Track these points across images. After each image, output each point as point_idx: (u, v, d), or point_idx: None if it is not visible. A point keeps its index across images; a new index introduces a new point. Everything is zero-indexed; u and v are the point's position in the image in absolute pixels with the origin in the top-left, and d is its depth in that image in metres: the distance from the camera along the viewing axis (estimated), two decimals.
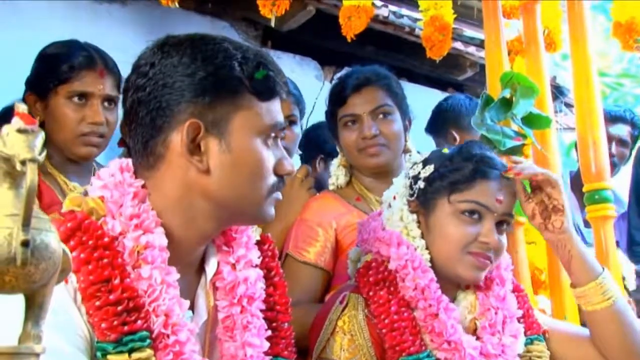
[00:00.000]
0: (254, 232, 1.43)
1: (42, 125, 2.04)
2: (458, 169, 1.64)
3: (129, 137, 1.31)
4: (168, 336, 1.20)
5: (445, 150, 1.71)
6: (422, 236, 1.66)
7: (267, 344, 1.35)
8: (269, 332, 1.36)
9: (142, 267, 1.21)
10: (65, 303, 1.14)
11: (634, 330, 1.67)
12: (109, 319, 1.14)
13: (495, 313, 1.67)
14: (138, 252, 1.22)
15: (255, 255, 1.39)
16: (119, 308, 1.15)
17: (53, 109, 2.08)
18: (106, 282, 1.16)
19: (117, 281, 1.17)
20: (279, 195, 1.33)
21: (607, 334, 1.66)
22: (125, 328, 1.15)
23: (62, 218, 1.20)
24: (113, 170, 1.29)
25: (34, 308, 0.80)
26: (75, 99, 2.07)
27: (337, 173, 2.25)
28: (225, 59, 1.25)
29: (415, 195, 1.68)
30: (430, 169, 1.68)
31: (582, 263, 1.66)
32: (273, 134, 1.31)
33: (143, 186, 1.28)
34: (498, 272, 1.72)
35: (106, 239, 1.19)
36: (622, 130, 3.38)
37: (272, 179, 1.30)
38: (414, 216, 1.68)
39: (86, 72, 2.08)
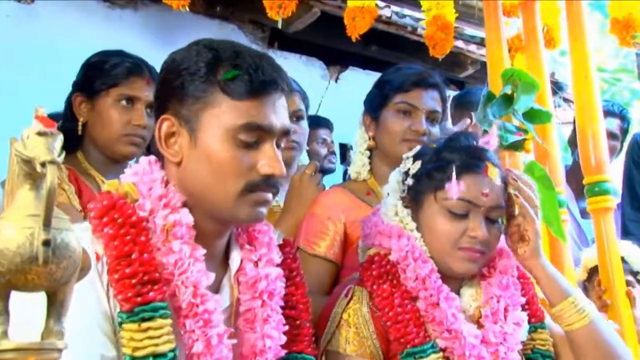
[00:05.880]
0: (276, 235, 1.50)
1: (84, 126, 2.18)
2: (443, 165, 1.64)
3: None
4: (197, 305, 1.29)
5: (433, 146, 1.72)
6: (418, 229, 1.68)
7: (284, 337, 1.41)
8: (286, 327, 1.42)
9: (172, 242, 1.29)
10: (90, 276, 1.22)
11: (612, 346, 1.68)
12: (124, 290, 1.23)
13: (498, 301, 1.67)
14: (167, 229, 1.30)
15: (276, 255, 1.45)
16: (133, 281, 1.23)
17: (100, 110, 2.17)
18: (126, 257, 1.24)
19: (134, 256, 1.24)
20: (261, 195, 1.33)
21: (587, 352, 1.67)
22: (138, 299, 1.22)
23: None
24: (143, 163, 1.39)
25: (56, 305, 0.83)
26: (123, 102, 2.16)
27: (363, 161, 2.27)
28: (197, 61, 1.33)
29: (405, 191, 1.70)
30: (417, 164, 1.69)
31: (550, 285, 1.69)
32: (251, 135, 1.31)
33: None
34: (501, 260, 1.73)
35: (134, 218, 1.28)
36: (612, 124, 3.40)
37: (245, 178, 1.31)
38: (409, 210, 1.69)
39: (135, 78, 2.17)
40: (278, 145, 1.36)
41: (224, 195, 1.32)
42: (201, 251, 1.33)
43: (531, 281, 1.81)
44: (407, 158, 1.75)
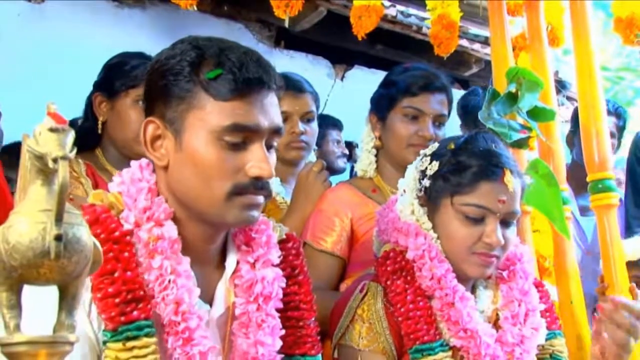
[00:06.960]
0: (275, 232, 1.44)
1: (104, 124, 2.22)
2: (460, 170, 1.63)
3: None
4: (178, 323, 1.25)
5: (451, 146, 1.69)
6: (434, 229, 1.68)
7: (279, 343, 1.36)
8: (283, 332, 1.37)
9: (154, 257, 1.25)
10: None
11: None
12: (108, 310, 1.20)
13: (519, 305, 1.68)
14: (152, 242, 1.26)
15: (275, 255, 1.39)
16: (117, 300, 1.20)
17: (119, 110, 2.22)
18: (110, 275, 1.21)
19: (117, 274, 1.21)
20: (250, 198, 1.28)
21: None
22: (122, 318, 1.20)
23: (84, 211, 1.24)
24: (133, 169, 1.35)
25: (68, 299, 0.84)
26: (141, 103, 2.18)
27: (370, 159, 2.28)
28: (180, 60, 1.27)
29: (422, 191, 1.69)
30: (435, 166, 1.67)
31: None
32: (237, 136, 1.25)
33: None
34: (522, 266, 1.73)
35: (117, 233, 1.24)
36: (608, 123, 3.42)
37: (231, 181, 1.25)
38: (425, 209, 1.69)
39: None
40: (269, 146, 1.31)
41: (211, 199, 1.26)
42: (185, 265, 1.28)
43: (547, 290, 1.81)
44: (425, 156, 1.73)
